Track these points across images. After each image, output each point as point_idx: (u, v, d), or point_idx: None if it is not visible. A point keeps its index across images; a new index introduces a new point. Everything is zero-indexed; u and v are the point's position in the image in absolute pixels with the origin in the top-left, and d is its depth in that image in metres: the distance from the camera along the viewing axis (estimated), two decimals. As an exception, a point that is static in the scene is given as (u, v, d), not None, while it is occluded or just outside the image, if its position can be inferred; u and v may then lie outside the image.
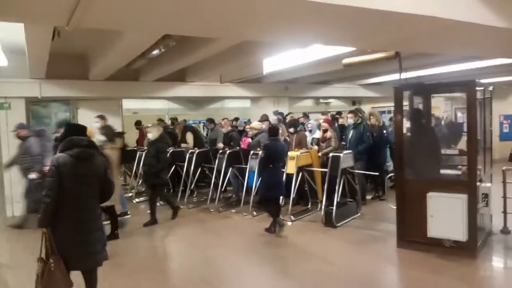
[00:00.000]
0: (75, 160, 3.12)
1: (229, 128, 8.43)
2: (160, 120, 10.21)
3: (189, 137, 8.61)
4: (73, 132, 3.26)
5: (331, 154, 6.35)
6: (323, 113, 8.71)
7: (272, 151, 5.62)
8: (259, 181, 6.07)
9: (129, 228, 6.34)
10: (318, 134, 7.36)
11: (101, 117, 6.63)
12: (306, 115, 9.10)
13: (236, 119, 9.63)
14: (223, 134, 8.26)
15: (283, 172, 6.03)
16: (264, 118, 7.79)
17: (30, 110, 8.62)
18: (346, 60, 6.49)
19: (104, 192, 3.30)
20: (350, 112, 7.46)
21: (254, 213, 6.85)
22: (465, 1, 3.41)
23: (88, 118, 8.93)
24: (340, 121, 8.49)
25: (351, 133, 7.19)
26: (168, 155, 6.97)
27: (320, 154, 7.07)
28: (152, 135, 6.40)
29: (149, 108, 11.94)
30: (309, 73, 8.94)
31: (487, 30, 3.65)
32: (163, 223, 6.60)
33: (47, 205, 3.05)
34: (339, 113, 10.05)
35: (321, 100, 13.57)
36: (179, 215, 6.91)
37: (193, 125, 10.33)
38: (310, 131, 7.59)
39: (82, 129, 3.33)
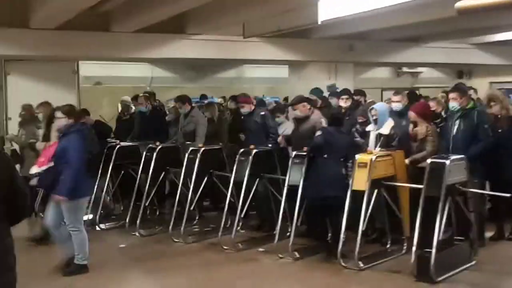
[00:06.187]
0: None
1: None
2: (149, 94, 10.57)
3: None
4: None
5: (428, 162, 6.28)
6: (396, 92, 8.71)
7: (331, 138, 6.71)
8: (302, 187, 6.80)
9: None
10: (387, 127, 7.37)
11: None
12: (358, 93, 9.57)
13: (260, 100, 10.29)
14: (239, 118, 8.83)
15: (346, 168, 6.76)
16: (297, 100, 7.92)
17: None
18: (463, 3, 6.37)
19: (13, 210, 3.37)
20: (454, 90, 7.45)
21: (297, 253, 6.92)
22: None
23: (23, 90, 8.98)
24: (432, 105, 8.55)
25: (456, 125, 7.16)
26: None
27: (407, 161, 7.10)
28: None
29: (120, 76, 12.65)
30: (389, 24, 9.23)
31: None
32: (142, 263, 7.05)
33: None
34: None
35: (404, 69, 14.09)
36: (170, 254, 7.29)
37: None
38: (376, 121, 7.51)
39: None
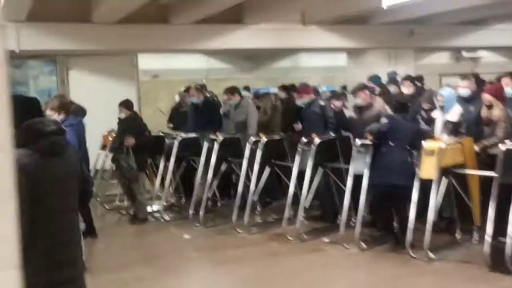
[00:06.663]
0: (44, 159, 3.26)
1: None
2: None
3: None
4: (24, 110, 3.48)
5: (503, 148, 6.03)
6: (464, 77, 8.38)
7: (397, 126, 6.62)
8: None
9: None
10: (455, 114, 7.15)
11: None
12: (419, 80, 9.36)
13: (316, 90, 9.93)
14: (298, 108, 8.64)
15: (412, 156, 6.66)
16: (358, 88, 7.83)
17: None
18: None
19: (83, 197, 3.66)
20: None
21: (363, 244, 6.83)
22: None
23: (84, 85, 9.16)
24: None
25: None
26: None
27: (477, 147, 6.87)
28: None
29: (176, 69, 12.82)
30: (451, 8, 9.11)
31: None
32: (206, 254, 7.11)
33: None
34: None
35: (464, 54, 13.85)
36: (234, 245, 7.27)
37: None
38: (442, 107, 7.33)
39: (33, 104, 3.74)
